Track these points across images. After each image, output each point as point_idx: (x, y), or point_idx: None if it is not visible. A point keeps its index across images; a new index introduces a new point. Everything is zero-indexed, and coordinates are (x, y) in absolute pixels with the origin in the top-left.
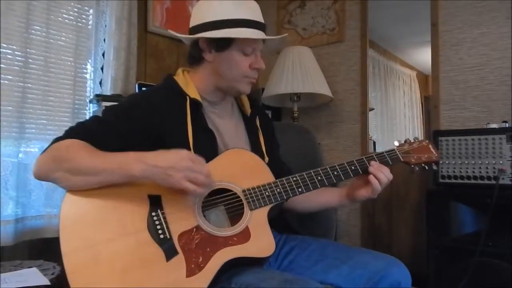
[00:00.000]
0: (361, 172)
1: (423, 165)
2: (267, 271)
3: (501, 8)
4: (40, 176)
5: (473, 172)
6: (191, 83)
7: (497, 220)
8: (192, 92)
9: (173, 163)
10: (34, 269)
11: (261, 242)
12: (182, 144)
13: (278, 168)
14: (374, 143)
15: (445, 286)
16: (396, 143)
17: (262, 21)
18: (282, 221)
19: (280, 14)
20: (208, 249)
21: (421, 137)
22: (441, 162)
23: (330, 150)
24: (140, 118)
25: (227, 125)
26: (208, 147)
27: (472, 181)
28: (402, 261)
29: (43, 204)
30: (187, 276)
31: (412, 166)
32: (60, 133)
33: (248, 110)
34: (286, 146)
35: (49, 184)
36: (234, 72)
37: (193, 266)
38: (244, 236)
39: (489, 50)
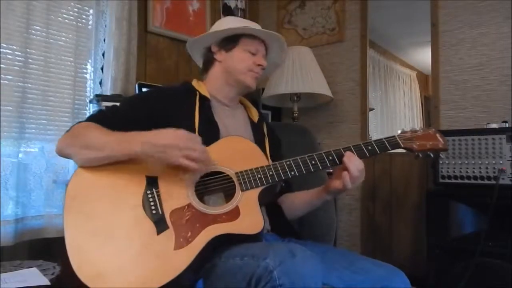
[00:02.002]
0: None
1: (428, 152)
2: (256, 243)
3: (501, 8)
4: (59, 151)
5: (473, 172)
6: (203, 85)
7: (497, 220)
8: (203, 91)
9: (171, 141)
10: (34, 269)
11: (249, 220)
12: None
13: None
14: None
15: (445, 286)
16: (399, 131)
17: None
18: (283, 222)
19: (280, 14)
20: (197, 225)
21: None
22: (441, 162)
23: None
24: (149, 107)
25: (235, 124)
26: (211, 138)
27: (472, 181)
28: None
29: (43, 204)
30: (175, 248)
31: (416, 153)
32: (60, 133)
33: (256, 118)
34: (286, 146)
35: (49, 184)
36: (240, 66)
37: (181, 240)
38: (234, 214)
39: (489, 50)
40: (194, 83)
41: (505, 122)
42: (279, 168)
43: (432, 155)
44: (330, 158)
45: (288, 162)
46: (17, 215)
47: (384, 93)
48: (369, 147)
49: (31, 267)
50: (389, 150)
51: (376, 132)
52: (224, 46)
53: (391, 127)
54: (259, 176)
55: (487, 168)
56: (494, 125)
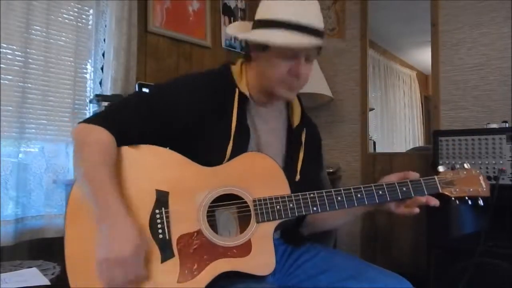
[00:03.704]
0: (388, 200)
1: (466, 198)
2: (261, 285)
3: (501, 8)
4: (72, 138)
5: None
6: (244, 77)
7: (497, 220)
8: (243, 86)
9: (110, 256)
10: (34, 269)
11: (260, 259)
12: (223, 135)
13: (309, 189)
14: (374, 143)
15: (445, 286)
16: (441, 168)
17: (315, 25)
18: (291, 230)
19: None
20: (205, 256)
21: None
22: (441, 162)
23: (330, 150)
24: (173, 105)
25: (267, 129)
26: (242, 146)
27: None
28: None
29: (43, 204)
30: (178, 281)
31: (453, 199)
32: (60, 133)
33: (296, 122)
34: None
35: (49, 184)
36: (271, 74)
37: (186, 272)
38: (245, 249)
39: (489, 50)
40: (236, 72)
41: (505, 122)
42: (301, 201)
43: (470, 202)
44: (359, 195)
45: (312, 195)
46: (17, 215)
47: (384, 93)
48: (404, 188)
49: (31, 267)
50: (424, 194)
51: (376, 132)
52: (255, 45)
53: (391, 127)
54: (278, 207)
55: (487, 168)
56: (494, 125)
